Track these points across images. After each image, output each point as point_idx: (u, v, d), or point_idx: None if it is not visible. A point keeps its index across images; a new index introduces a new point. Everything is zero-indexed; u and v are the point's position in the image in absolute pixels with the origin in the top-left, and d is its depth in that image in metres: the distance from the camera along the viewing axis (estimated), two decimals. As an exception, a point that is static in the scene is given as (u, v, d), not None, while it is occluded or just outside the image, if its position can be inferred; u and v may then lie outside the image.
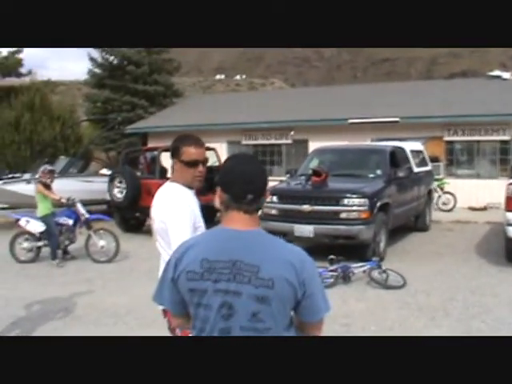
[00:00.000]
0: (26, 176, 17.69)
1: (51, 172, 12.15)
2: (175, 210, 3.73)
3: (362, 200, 11.24)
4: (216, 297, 2.42)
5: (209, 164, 14.91)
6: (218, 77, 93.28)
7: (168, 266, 2.60)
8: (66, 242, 12.37)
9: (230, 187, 2.53)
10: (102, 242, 12.17)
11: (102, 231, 12.41)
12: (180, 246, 2.62)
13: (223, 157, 17.14)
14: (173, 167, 3.94)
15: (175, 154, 3.88)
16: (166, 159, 17.03)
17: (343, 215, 11.24)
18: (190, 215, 3.74)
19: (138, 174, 16.73)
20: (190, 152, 3.83)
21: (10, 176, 18.24)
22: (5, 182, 16.80)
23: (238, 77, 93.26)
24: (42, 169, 12.21)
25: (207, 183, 17.45)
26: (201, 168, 3.90)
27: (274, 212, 12.03)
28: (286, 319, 2.48)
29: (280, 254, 2.45)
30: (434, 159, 18.70)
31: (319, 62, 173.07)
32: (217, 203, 2.63)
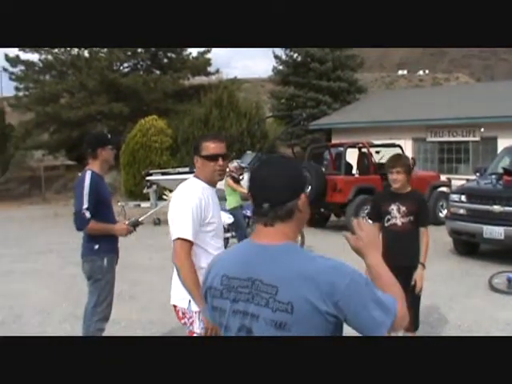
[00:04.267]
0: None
1: (242, 168, 12.70)
2: (177, 208, 3.90)
3: (559, 202, 10.62)
4: (234, 318, 2.18)
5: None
6: (400, 72, 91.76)
7: (202, 282, 2.42)
8: (253, 235, 12.75)
9: (251, 196, 2.25)
10: (287, 235, 12.41)
11: (287, 224, 12.65)
12: (211, 260, 2.43)
13: (409, 154, 16.90)
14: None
15: (196, 150, 4.05)
16: (351, 155, 17.13)
17: (537, 218, 10.68)
18: (195, 212, 3.83)
19: (323, 169, 16.89)
20: (209, 147, 3.98)
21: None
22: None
23: (420, 72, 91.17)
24: (234, 164, 12.71)
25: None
26: (220, 162, 4.01)
27: (461, 212, 11.70)
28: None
29: (303, 273, 2.06)
30: None
31: (508, 55, 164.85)
32: None
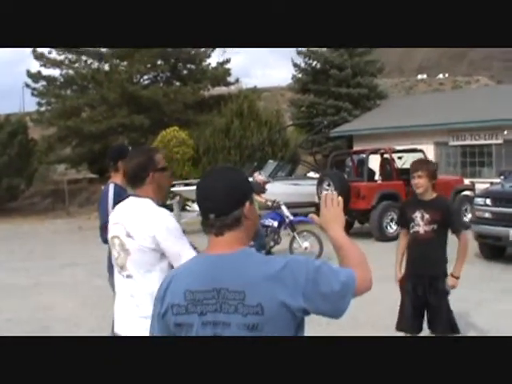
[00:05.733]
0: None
1: (267, 182, 12.87)
2: (172, 223, 3.41)
3: None
4: (205, 330, 2.16)
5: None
6: (419, 77, 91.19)
7: (156, 300, 2.36)
8: (271, 243, 12.77)
9: (199, 208, 2.29)
10: (305, 244, 12.42)
11: (305, 233, 12.64)
12: (165, 278, 2.39)
13: (431, 159, 16.78)
14: (138, 185, 3.53)
15: (151, 165, 3.50)
16: (373, 162, 17.08)
17: None
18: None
19: (346, 176, 16.88)
20: (161, 158, 3.59)
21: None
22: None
23: (440, 75, 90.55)
24: (261, 177, 12.83)
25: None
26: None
27: (487, 215, 11.61)
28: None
29: (266, 274, 2.13)
30: None
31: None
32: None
